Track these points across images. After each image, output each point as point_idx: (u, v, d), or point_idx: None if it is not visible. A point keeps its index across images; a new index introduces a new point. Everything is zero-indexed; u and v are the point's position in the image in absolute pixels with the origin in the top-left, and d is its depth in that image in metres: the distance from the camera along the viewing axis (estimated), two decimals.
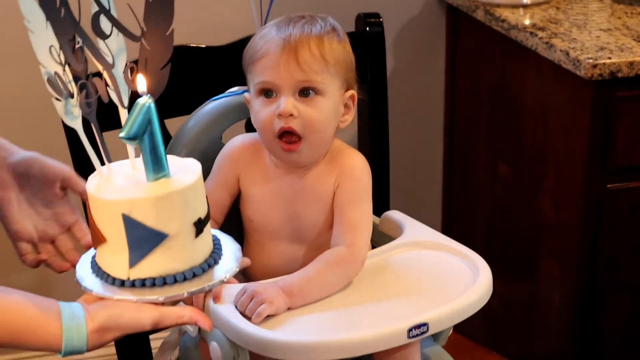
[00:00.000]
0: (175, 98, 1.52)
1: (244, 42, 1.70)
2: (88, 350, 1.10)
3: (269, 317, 1.29)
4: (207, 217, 1.13)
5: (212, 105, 1.60)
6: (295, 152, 1.41)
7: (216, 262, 1.14)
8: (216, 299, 1.29)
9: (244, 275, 1.47)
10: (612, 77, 1.86)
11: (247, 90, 1.60)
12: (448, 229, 2.59)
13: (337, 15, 1.52)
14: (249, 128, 1.69)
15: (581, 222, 1.99)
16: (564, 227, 2.05)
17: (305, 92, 1.39)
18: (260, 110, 1.41)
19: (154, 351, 1.60)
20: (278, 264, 1.46)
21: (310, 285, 1.33)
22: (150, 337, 1.63)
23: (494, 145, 2.32)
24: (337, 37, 1.42)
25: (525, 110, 2.16)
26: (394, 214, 1.58)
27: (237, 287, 1.32)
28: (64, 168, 1.26)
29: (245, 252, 1.51)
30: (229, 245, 1.19)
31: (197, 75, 1.68)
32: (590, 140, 1.92)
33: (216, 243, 1.17)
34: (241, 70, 1.70)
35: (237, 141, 1.51)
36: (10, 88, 2.16)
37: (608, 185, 1.95)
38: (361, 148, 1.71)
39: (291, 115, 1.38)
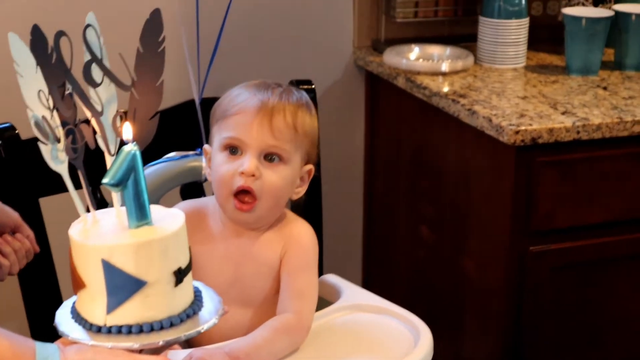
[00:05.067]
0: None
1: (181, 107, 1.72)
2: None
3: None
4: (189, 268, 1.13)
5: (149, 171, 1.60)
6: (248, 212, 1.42)
7: (195, 313, 1.14)
8: None
9: (188, 341, 1.45)
10: (533, 143, 1.93)
11: (185, 157, 1.61)
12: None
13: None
14: (185, 194, 1.69)
15: (504, 283, 2.03)
16: (487, 288, 2.10)
17: (270, 157, 1.41)
18: (222, 165, 1.42)
19: None
20: (223, 329, 1.45)
21: (257, 351, 1.33)
22: None
23: (415, 208, 2.37)
24: (310, 112, 1.46)
25: (447, 174, 2.21)
26: (330, 278, 1.60)
27: (183, 353, 1.31)
28: (16, 215, 1.39)
29: None
30: (210, 297, 1.19)
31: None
32: (513, 204, 1.98)
33: (197, 294, 1.17)
34: (179, 133, 1.71)
35: (179, 209, 1.51)
36: None
37: (530, 248, 2.00)
38: (294, 212, 1.72)
39: (253, 175, 1.40)
